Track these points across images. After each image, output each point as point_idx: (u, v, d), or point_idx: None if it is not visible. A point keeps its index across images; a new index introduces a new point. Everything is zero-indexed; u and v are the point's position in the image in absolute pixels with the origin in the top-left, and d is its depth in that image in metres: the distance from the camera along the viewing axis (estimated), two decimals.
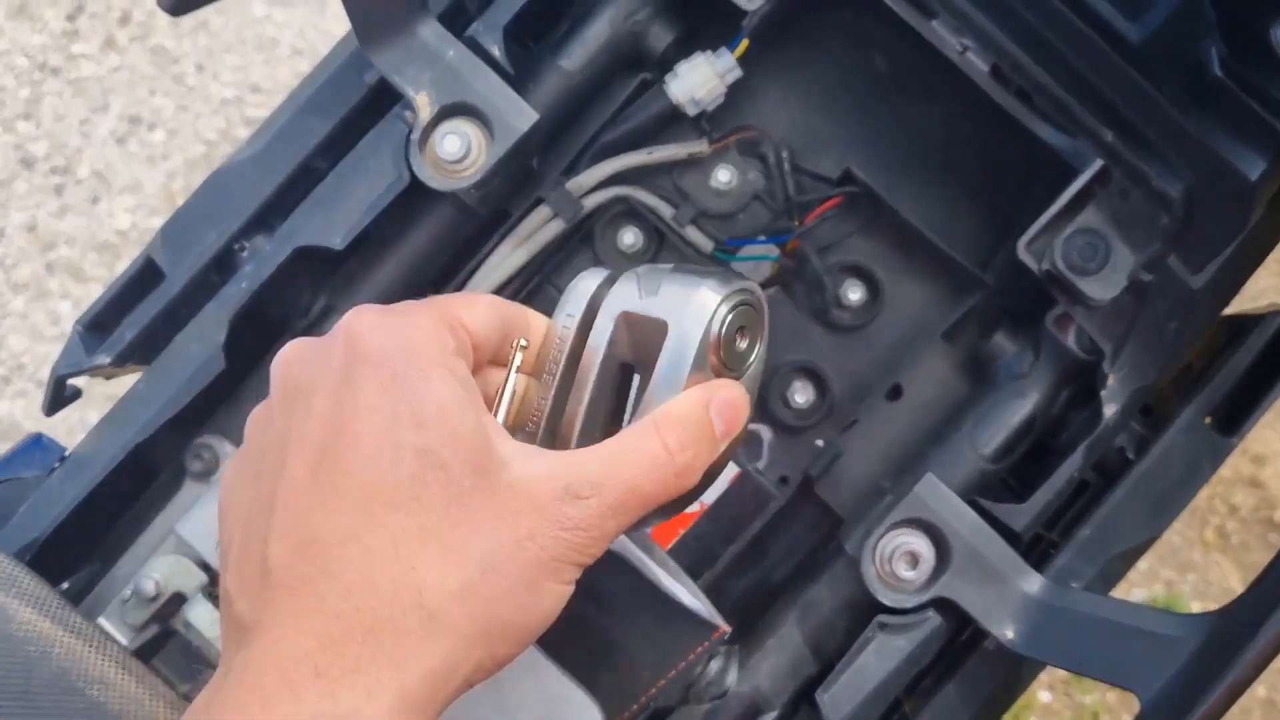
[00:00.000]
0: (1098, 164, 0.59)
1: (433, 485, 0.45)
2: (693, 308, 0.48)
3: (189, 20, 2.14)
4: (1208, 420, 0.67)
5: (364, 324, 0.47)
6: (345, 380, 0.46)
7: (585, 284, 0.52)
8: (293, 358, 0.49)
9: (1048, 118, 0.63)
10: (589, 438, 0.51)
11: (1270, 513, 1.88)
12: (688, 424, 0.48)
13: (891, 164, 0.74)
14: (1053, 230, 0.61)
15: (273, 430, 0.48)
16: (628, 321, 0.50)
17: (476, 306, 0.50)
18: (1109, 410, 0.64)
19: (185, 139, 2.12)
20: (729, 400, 0.49)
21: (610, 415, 0.52)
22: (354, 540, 0.44)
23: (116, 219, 2.07)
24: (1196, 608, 1.84)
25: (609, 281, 0.51)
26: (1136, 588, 1.85)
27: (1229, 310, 0.69)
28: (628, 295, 0.50)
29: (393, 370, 0.46)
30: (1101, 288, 0.60)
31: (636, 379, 0.52)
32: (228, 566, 0.48)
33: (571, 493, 0.46)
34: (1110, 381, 0.63)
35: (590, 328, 0.51)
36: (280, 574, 0.44)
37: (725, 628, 0.62)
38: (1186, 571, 1.87)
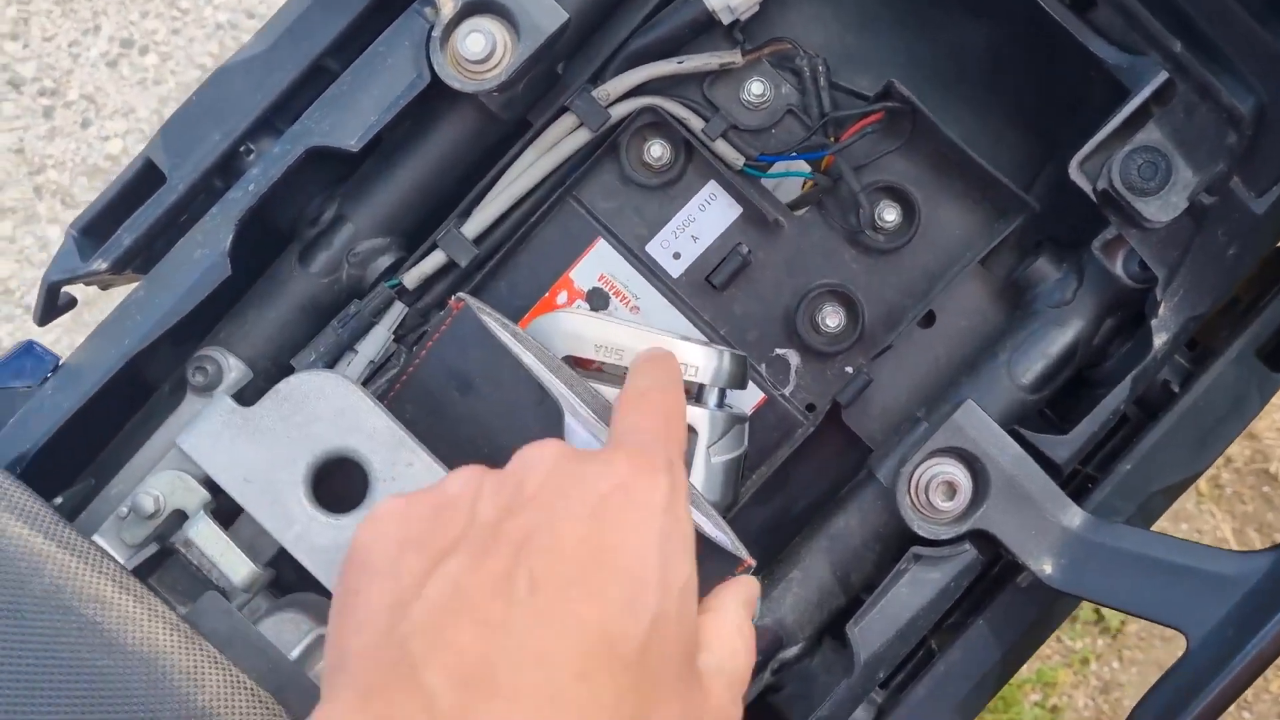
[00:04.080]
0: (1162, 76, 0.56)
1: (658, 658, 0.41)
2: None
3: None
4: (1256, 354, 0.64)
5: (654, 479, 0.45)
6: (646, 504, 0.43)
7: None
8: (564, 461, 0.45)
9: (1102, 32, 0.60)
10: None
11: (1264, 465, 1.87)
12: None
13: (931, 83, 0.70)
14: (1109, 148, 0.58)
15: (516, 524, 0.42)
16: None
17: None
18: (1159, 340, 0.61)
19: (179, 63, 2.06)
20: None
21: None
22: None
23: (108, 143, 2.02)
24: None
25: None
26: None
27: None
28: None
29: (663, 514, 0.44)
30: (1160, 209, 0.57)
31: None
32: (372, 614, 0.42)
33: (734, 691, 0.47)
34: (1162, 310, 0.60)
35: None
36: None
37: (750, 560, 0.60)
38: (1179, 521, 1.86)
